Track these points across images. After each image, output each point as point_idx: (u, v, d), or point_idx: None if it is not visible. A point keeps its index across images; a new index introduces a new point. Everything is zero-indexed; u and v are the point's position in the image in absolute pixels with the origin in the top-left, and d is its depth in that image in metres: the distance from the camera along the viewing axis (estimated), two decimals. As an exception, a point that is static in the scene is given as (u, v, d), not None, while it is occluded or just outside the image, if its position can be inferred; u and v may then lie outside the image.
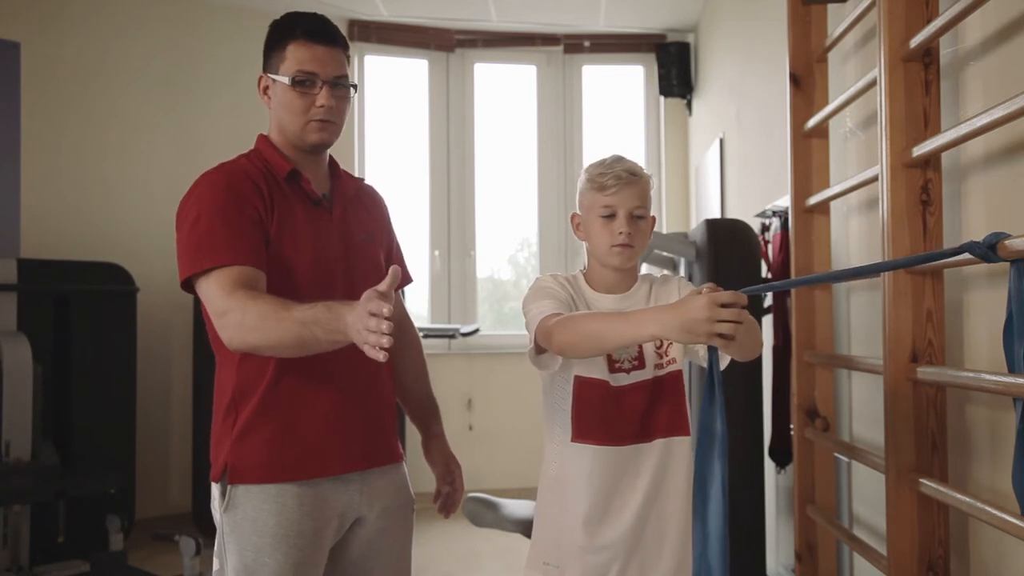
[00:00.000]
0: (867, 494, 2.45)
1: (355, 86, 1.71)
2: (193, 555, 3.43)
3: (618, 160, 1.63)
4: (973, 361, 1.85)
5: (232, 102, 4.93)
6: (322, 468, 1.63)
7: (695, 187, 5.46)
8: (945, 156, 1.92)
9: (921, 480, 1.85)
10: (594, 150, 5.84)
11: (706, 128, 5.21)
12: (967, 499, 1.67)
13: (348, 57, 1.71)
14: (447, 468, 1.91)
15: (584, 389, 1.59)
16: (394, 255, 1.86)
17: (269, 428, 1.61)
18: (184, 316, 4.65)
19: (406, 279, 1.85)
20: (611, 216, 1.59)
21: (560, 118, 5.98)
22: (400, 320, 1.83)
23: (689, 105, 5.72)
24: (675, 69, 5.61)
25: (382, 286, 1.38)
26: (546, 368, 1.59)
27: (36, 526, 3.57)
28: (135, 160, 4.91)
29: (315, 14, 1.69)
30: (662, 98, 5.83)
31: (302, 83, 1.63)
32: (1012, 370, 1.41)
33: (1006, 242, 1.37)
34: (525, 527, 2.20)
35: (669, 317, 1.33)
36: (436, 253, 5.83)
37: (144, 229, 4.68)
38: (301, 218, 1.65)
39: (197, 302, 1.64)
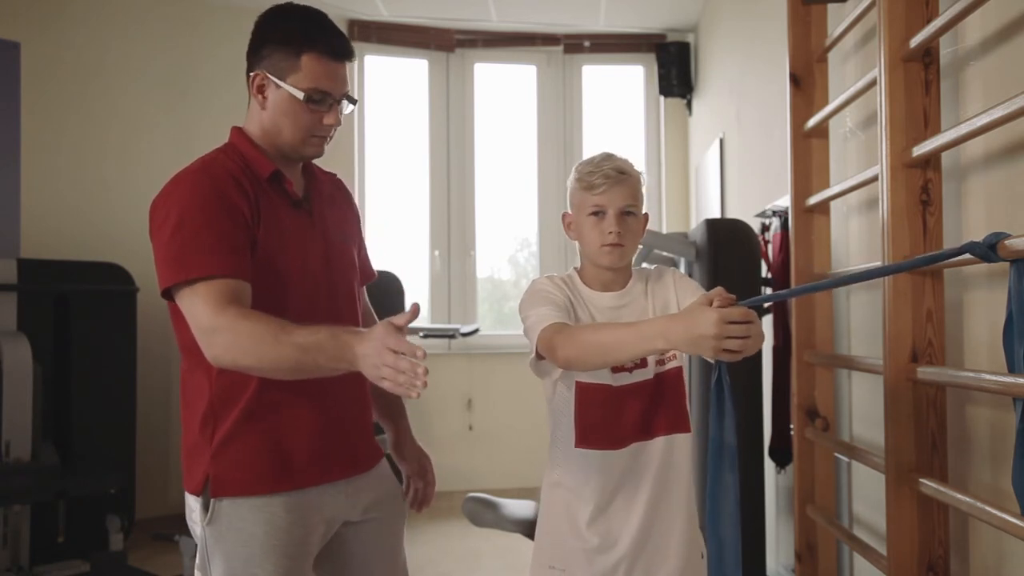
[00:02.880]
0: (867, 494, 2.45)
1: (355, 100, 1.64)
2: (193, 555, 3.42)
3: (607, 158, 1.61)
4: (973, 361, 1.85)
5: (232, 102, 4.86)
6: (310, 477, 1.58)
7: (695, 187, 5.46)
8: (945, 156, 1.92)
9: (921, 480, 1.85)
10: (594, 150, 5.77)
11: (706, 128, 5.21)
12: (967, 499, 1.66)
13: None
14: (419, 463, 1.88)
15: (586, 394, 1.57)
16: (362, 253, 1.81)
17: (254, 438, 1.55)
18: (184, 316, 4.64)
19: (370, 276, 1.83)
20: (601, 215, 1.57)
21: (560, 118, 5.98)
22: (365, 318, 1.81)
23: (689, 105, 5.72)
24: (675, 69, 5.62)
25: (399, 320, 1.34)
26: (547, 375, 1.59)
27: (36, 526, 3.56)
28: (135, 160, 4.91)
29: (329, 23, 1.59)
30: (662, 98, 5.83)
31: (316, 101, 1.56)
32: (1012, 370, 1.41)
33: (1006, 242, 1.37)
34: (525, 527, 2.20)
35: (676, 332, 1.30)
36: (436, 253, 5.83)
37: (144, 229, 4.63)
38: (285, 221, 1.59)
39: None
